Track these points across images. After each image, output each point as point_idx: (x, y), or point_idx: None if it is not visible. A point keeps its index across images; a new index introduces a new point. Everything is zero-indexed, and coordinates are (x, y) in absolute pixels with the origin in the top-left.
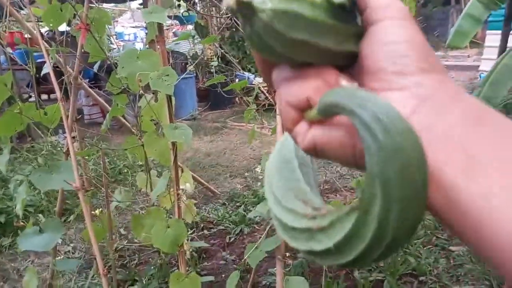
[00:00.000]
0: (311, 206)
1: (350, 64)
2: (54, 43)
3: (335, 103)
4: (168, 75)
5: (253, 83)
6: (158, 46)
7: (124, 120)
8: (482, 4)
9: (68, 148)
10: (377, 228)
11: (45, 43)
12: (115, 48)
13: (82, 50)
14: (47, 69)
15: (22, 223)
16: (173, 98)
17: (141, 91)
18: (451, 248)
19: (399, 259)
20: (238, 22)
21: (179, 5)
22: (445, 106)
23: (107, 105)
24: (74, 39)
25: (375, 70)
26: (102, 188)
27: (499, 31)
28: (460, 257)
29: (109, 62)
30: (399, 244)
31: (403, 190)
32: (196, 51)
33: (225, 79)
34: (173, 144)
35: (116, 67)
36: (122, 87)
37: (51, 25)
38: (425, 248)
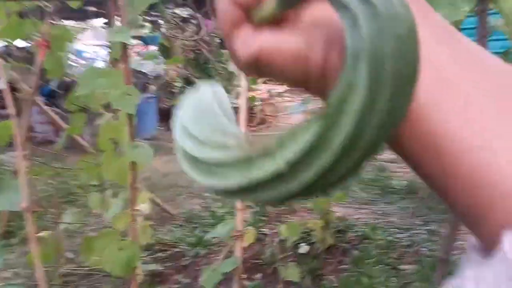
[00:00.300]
0: (245, 139)
1: None
2: (10, 58)
3: None
4: (130, 94)
5: None
6: (122, 65)
7: (79, 139)
8: None
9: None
10: (355, 126)
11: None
12: (76, 66)
13: (40, 67)
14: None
15: None
16: (134, 117)
17: (101, 110)
18: (401, 267)
19: (352, 278)
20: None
21: (142, 26)
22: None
23: (62, 123)
24: (32, 54)
25: None
26: (51, 209)
27: None
28: (410, 275)
29: (67, 80)
30: (373, 152)
31: (401, 64)
32: (159, 73)
33: None
34: (133, 164)
35: (75, 85)
36: (81, 106)
37: (9, 40)
38: (376, 267)
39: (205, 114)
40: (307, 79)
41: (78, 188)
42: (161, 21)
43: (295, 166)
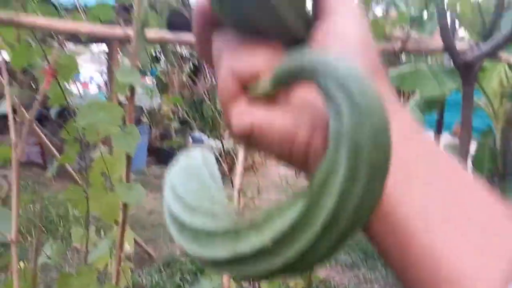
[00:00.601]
0: (232, 209)
1: (293, 47)
2: (15, 82)
3: (299, 62)
4: (131, 133)
5: (206, 145)
6: (128, 105)
7: (68, 167)
8: (417, 108)
9: (6, 195)
10: (335, 207)
11: (7, 79)
12: (71, 91)
13: (44, 94)
14: (3, 107)
15: None
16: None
17: (97, 142)
18: None
19: None
20: (196, 81)
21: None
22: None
23: (54, 150)
24: (35, 79)
25: None
26: (30, 239)
27: (432, 131)
28: None
29: (66, 108)
30: (352, 233)
31: (376, 154)
32: (153, 106)
33: (180, 136)
34: (124, 205)
35: (75, 114)
36: (78, 136)
37: (18, 65)
38: None
39: (194, 178)
40: (291, 156)
41: (58, 216)
42: (160, 56)
43: (279, 243)
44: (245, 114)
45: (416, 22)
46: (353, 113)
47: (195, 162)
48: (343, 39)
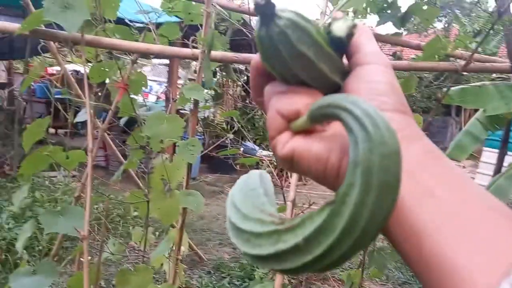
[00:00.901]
0: (278, 217)
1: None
2: (93, 95)
3: (328, 103)
4: (194, 145)
5: (257, 155)
6: (191, 119)
7: (131, 172)
8: (481, 125)
9: (79, 194)
10: (351, 215)
11: (88, 93)
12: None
13: (116, 106)
14: (82, 117)
15: (3, 257)
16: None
17: (159, 150)
18: None
19: None
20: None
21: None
22: (410, 140)
23: (120, 156)
24: (107, 91)
25: None
26: (96, 236)
27: (495, 150)
28: None
29: (136, 118)
30: (368, 237)
31: (384, 175)
32: (208, 115)
33: (232, 146)
34: (184, 209)
35: (141, 124)
36: (143, 144)
37: (95, 80)
38: None
39: (251, 193)
40: (325, 176)
41: (118, 217)
42: (217, 69)
43: (309, 242)
44: (288, 142)
45: (484, 38)
46: (366, 142)
47: (253, 181)
48: (372, 84)
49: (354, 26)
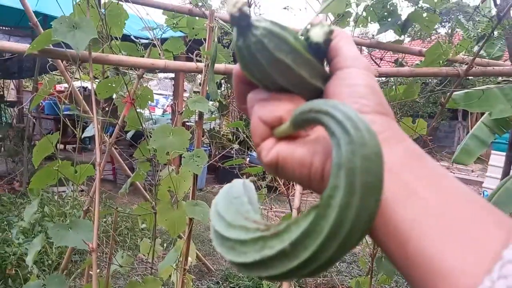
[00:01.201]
0: (263, 224)
1: (312, 97)
2: (100, 110)
3: (310, 108)
4: (199, 156)
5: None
6: (197, 130)
7: (138, 184)
8: (488, 128)
9: (87, 207)
10: (337, 217)
11: (95, 109)
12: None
13: (123, 120)
14: (90, 132)
15: (14, 272)
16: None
17: (165, 162)
18: None
19: None
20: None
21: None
22: (391, 142)
23: (128, 169)
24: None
25: None
26: (105, 249)
27: (503, 153)
28: None
29: (140, 131)
30: (354, 240)
31: (367, 177)
32: (213, 127)
33: (237, 157)
34: (190, 219)
35: (147, 137)
36: (149, 157)
37: (102, 95)
38: None
39: (235, 201)
40: (310, 180)
41: (126, 229)
42: (221, 81)
43: (296, 247)
44: (272, 148)
45: (484, 42)
46: (348, 145)
47: (236, 189)
48: (352, 87)
49: (331, 31)
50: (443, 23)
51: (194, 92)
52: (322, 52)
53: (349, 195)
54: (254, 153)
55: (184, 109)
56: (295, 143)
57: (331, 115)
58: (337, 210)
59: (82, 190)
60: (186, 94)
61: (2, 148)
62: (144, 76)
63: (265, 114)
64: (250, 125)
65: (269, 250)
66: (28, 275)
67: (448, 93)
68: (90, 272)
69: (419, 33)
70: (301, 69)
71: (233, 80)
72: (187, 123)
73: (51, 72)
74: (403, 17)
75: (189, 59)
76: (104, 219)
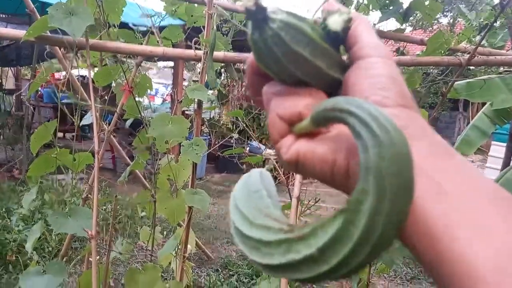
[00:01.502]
0: (285, 223)
1: (333, 91)
2: (98, 98)
3: (332, 106)
4: (198, 145)
5: (263, 154)
6: (196, 119)
7: (138, 173)
8: (488, 119)
9: (86, 195)
10: (367, 223)
11: (93, 96)
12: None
13: (121, 108)
14: (88, 120)
15: (14, 258)
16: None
17: (165, 151)
18: None
19: None
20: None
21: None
22: (416, 137)
23: (127, 158)
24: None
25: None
26: (105, 236)
27: (504, 143)
28: None
29: (139, 119)
30: (385, 243)
31: (397, 179)
32: (213, 116)
33: (237, 146)
34: (189, 208)
35: (146, 125)
36: (148, 145)
37: (100, 83)
38: None
39: (254, 196)
40: (333, 177)
41: (126, 217)
42: (221, 70)
43: (324, 252)
44: (292, 145)
45: (486, 31)
46: (376, 148)
47: (254, 180)
48: (373, 78)
49: (349, 18)
50: (445, 13)
51: (193, 81)
52: (340, 40)
53: (379, 200)
54: (253, 142)
55: (183, 97)
56: (316, 140)
57: (356, 115)
58: (367, 215)
59: (81, 178)
60: (185, 83)
61: (1, 136)
62: (143, 64)
63: (283, 110)
64: (268, 121)
65: (295, 254)
66: (28, 261)
67: (450, 83)
68: (90, 259)
69: (420, 23)
70: (319, 60)
71: (246, 71)
72: (186, 112)
73: (49, 60)
74: (405, 5)
75: (189, 48)
76: (104, 207)
